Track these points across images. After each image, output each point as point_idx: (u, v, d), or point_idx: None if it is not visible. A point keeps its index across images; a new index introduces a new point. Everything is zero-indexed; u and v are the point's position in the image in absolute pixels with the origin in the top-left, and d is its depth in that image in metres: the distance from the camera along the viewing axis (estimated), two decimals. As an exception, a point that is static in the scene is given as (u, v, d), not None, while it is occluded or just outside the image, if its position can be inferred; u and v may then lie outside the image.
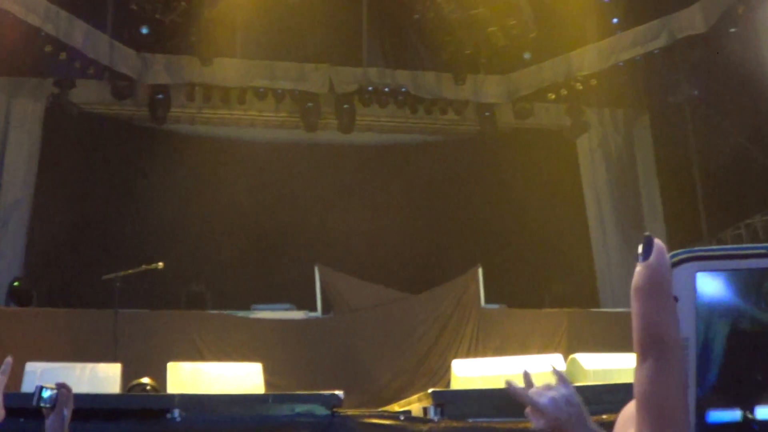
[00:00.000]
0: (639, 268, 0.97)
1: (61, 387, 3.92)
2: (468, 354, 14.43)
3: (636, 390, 0.92)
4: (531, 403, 2.83)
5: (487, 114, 19.57)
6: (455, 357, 13.83)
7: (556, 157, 19.66)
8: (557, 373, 2.98)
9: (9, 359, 3.73)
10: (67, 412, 3.89)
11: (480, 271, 16.05)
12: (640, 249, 1.00)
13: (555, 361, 13.92)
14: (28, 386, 9.21)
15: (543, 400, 2.82)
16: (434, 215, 18.80)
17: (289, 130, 19.04)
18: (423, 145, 19.95)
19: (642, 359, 0.94)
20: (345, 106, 18.74)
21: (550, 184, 19.12)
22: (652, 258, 0.96)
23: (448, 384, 13.23)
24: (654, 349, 0.93)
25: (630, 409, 0.97)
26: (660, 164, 20.31)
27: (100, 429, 8.84)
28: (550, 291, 17.54)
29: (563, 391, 2.84)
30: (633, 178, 20.29)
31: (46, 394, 3.89)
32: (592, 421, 2.78)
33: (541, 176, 19.04)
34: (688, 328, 0.97)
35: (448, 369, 13.37)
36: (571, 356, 13.57)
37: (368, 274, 16.26)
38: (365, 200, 18.52)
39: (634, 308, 0.96)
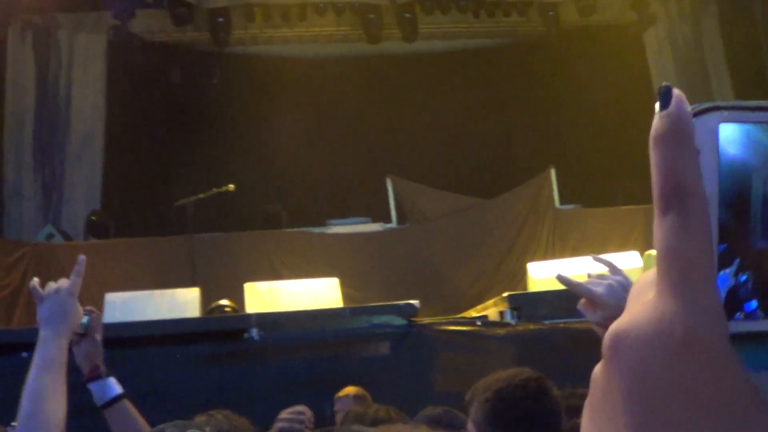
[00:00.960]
0: (657, 117, 0.90)
1: (92, 311, 3.85)
2: (544, 256, 14.38)
3: (658, 246, 0.86)
4: (586, 293, 2.73)
5: (550, 13, 19.24)
6: (532, 260, 13.78)
7: (623, 53, 19.30)
8: (607, 263, 2.90)
9: (82, 257, 3.71)
10: (99, 337, 3.84)
11: (553, 172, 15.95)
12: (657, 101, 0.93)
13: (631, 257, 13.87)
14: (109, 317, 9.32)
15: (599, 289, 2.72)
16: (503, 119, 18.63)
17: (352, 43, 18.89)
18: (488, 49, 19.69)
19: (663, 212, 0.87)
20: (406, 15, 18.55)
21: (619, 80, 18.79)
22: (671, 106, 0.89)
23: (525, 287, 13.20)
24: (677, 200, 0.87)
25: (648, 275, 0.90)
26: (729, 54, 19.86)
27: (179, 352, 8.96)
28: (624, 189, 17.35)
29: (618, 277, 2.76)
30: (702, 69, 19.86)
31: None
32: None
33: (609, 73, 18.71)
34: (710, 183, 0.90)
35: (525, 272, 13.33)
36: (647, 252, 13.48)
37: (441, 183, 16.26)
38: (432, 109, 18.42)
39: (654, 159, 0.89)
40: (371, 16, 18.47)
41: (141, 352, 8.80)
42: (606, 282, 2.75)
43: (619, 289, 2.71)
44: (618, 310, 2.72)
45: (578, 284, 2.82)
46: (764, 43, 18.92)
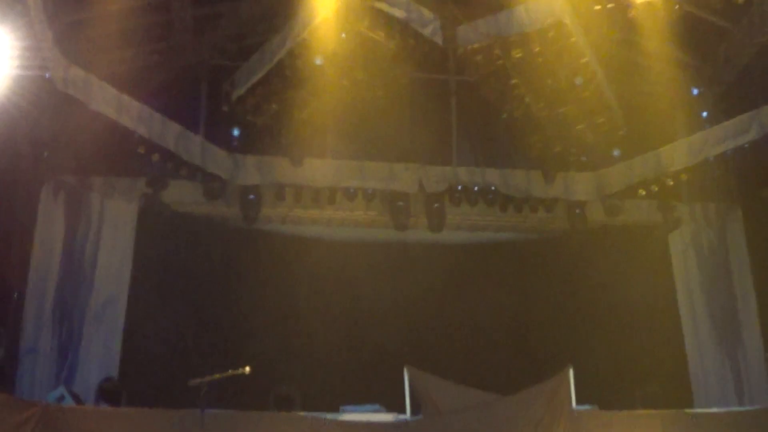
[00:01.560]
0: None
1: None
2: (558, 457, 14.15)
3: None
4: None
5: (577, 211, 19.45)
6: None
7: (647, 253, 19.41)
8: None
9: None
10: None
11: (571, 371, 15.83)
12: None
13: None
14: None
15: None
16: (524, 314, 18.63)
17: (378, 229, 19.10)
18: (513, 243, 19.84)
19: None
20: (435, 205, 18.79)
21: (642, 281, 18.81)
22: None
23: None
24: None
25: None
26: (754, 259, 19.92)
27: None
28: (642, 391, 17.17)
29: None
30: (727, 274, 19.89)
31: None
32: None
33: (633, 273, 18.75)
34: None
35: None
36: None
37: (458, 376, 16.11)
38: (455, 299, 18.46)
39: None
40: (400, 203, 18.71)
41: None
42: None
43: None
44: None
45: None
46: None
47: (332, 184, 18.41)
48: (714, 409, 16.76)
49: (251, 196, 18.19)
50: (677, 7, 16.80)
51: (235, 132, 17.93)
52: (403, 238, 18.93)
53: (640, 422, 15.44)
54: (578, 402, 15.78)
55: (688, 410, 17.03)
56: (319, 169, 18.27)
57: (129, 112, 16.46)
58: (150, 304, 17.38)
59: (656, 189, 19.04)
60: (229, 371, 13.24)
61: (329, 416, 15.00)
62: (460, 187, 18.78)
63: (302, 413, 15.01)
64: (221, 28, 18.37)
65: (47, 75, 14.86)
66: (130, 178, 18.04)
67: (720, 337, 19.32)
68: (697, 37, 18.35)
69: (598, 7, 16.70)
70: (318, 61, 16.60)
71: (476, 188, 18.84)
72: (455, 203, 18.92)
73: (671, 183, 18.83)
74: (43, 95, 14.86)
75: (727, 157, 18.37)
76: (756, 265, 19.86)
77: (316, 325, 17.67)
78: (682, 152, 18.47)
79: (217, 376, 13.06)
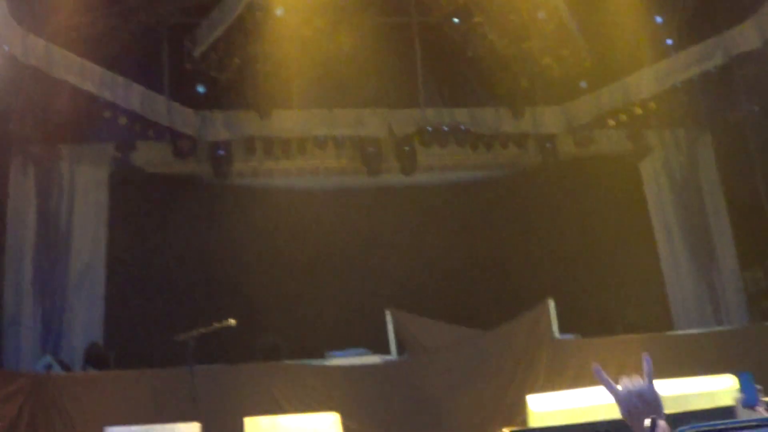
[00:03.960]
0: None
1: None
2: (544, 387, 14.31)
3: None
4: (609, 389, 2.89)
5: (548, 145, 19.51)
6: (531, 391, 13.73)
7: (620, 182, 19.54)
8: (646, 366, 2.99)
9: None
10: None
11: (551, 302, 15.95)
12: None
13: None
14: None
15: (619, 390, 2.87)
16: (502, 249, 18.71)
17: (351, 176, 19.10)
18: (486, 180, 19.90)
19: None
20: (405, 148, 18.79)
21: (617, 209, 18.97)
22: None
23: (525, 419, 13.14)
24: None
25: None
26: (725, 181, 20.11)
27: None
28: (622, 317, 17.37)
29: (640, 385, 2.87)
30: (699, 197, 20.07)
31: None
32: (665, 425, 2.78)
33: (607, 203, 18.89)
34: None
35: (524, 404, 13.28)
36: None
37: (440, 314, 16.23)
38: (432, 240, 18.52)
39: None
40: (371, 149, 18.72)
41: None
42: (628, 385, 2.88)
43: (634, 395, 2.85)
44: (626, 412, 2.75)
45: (605, 381, 2.93)
46: (759, 170, 19.15)
47: (302, 134, 18.38)
48: (693, 330, 16.99)
49: (221, 152, 18.15)
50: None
51: (201, 89, 17.82)
52: (376, 183, 18.96)
53: (621, 347, 15.63)
54: (561, 332, 15.96)
55: (668, 333, 17.27)
56: (287, 120, 18.23)
57: (92, 78, 16.37)
58: (129, 267, 17.40)
59: (625, 118, 19.12)
60: (214, 324, 13.30)
61: (316, 363, 15.12)
62: (429, 129, 18.78)
63: (289, 362, 15.14)
64: (178, -15, 18.28)
65: (6, 48, 14.77)
66: (99, 144, 17.96)
67: (696, 260, 19.53)
68: (657, -36, 18.39)
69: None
70: (278, 11, 16.55)
71: (446, 128, 18.84)
72: (426, 145, 18.94)
73: (640, 111, 18.92)
74: (3, 67, 14.77)
75: (694, 82, 18.48)
76: (727, 187, 20.06)
77: (296, 274, 17.71)
78: (648, 80, 18.56)
79: (202, 330, 13.11)
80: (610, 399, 3.00)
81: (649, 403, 2.79)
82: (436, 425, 13.83)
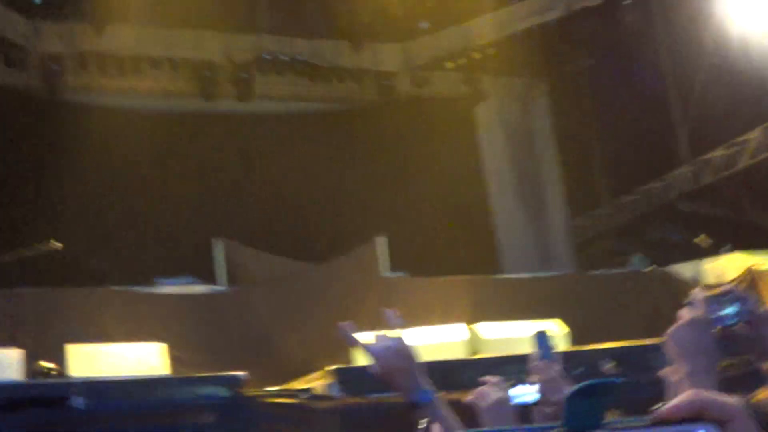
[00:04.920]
0: None
1: None
2: (371, 325, 14.39)
3: None
4: (363, 347, 2.88)
5: (385, 82, 19.49)
6: (359, 329, 13.76)
7: (455, 125, 19.71)
8: (392, 320, 2.96)
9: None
10: None
11: (383, 240, 16.05)
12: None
13: (459, 330, 14.07)
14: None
15: (374, 346, 2.87)
16: (337, 184, 18.70)
17: (187, 99, 18.63)
18: (323, 113, 19.79)
19: None
20: (243, 74, 18.49)
21: (451, 152, 19.15)
22: None
23: (350, 356, 13.20)
24: None
25: None
26: (558, 132, 20.55)
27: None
28: (452, 259, 17.62)
29: (396, 341, 2.86)
30: (532, 146, 20.49)
31: None
32: (424, 378, 2.78)
33: (442, 144, 19.03)
34: None
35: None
36: (472, 325, 13.74)
37: (271, 246, 16.16)
38: (265, 170, 18.38)
39: None
40: (206, 72, 18.34)
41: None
42: (384, 342, 2.87)
43: (391, 351, 2.85)
44: (383, 369, 2.74)
45: (355, 339, 3.09)
46: (592, 123, 19.66)
47: (137, 53, 17.85)
48: (520, 275, 17.37)
49: (54, 66, 17.48)
50: None
51: (35, -3, 17.13)
52: (211, 108, 18.57)
53: (449, 288, 15.89)
54: (393, 269, 16.10)
55: (495, 276, 17.63)
56: (122, 37, 17.63)
57: None
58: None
59: (463, 62, 19.25)
60: (36, 245, 12.88)
61: (144, 290, 14.86)
62: (267, 56, 18.51)
63: (116, 287, 14.82)
64: None
65: None
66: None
67: (526, 207, 19.96)
68: None
69: None
70: None
71: (284, 58, 18.61)
72: (263, 73, 18.67)
73: (478, 56, 19.08)
74: None
75: (534, 32, 18.72)
76: (560, 138, 20.51)
77: (125, 197, 17.31)
78: (489, 26, 18.72)
79: (24, 251, 12.70)
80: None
81: (403, 356, 2.78)
82: (266, 358, 13.77)
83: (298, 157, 18.67)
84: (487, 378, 3.14)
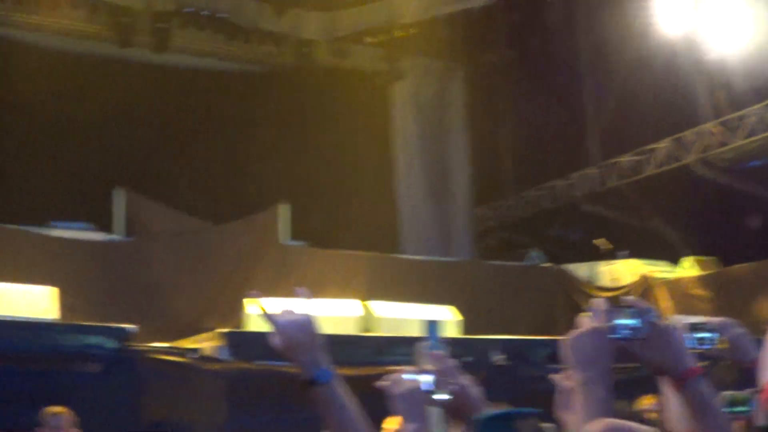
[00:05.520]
0: None
1: None
2: (267, 292, 14.29)
3: None
4: (269, 320, 2.86)
5: (304, 50, 19.36)
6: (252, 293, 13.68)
7: (369, 101, 19.67)
8: (303, 295, 2.96)
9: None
10: None
11: (286, 208, 15.99)
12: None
13: (353, 306, 14.11)
14: None
15: (280, 318, 2.84)
16: (246, 147, 18.55)
17: (101, 43, 18.24)
18: (239, 74, 19.61)
19: None
20: (161, 25, 18.19)
21: (362, 127, 19.14)
22: None
23: (241, 321, 13.17)
24: None
25: None
26: (472, 118, 20.64)
27: None
28: (354, 234, 17.60)
29: (301, 316, 2.86)
30: (443, 130, 20.55)
31: None
32: (325, 356, 2.79)
33: (354, 118, 18.99)
34: None
35: (242, 306, 13.30)
36: (366, 302, 13.78)
37: (173, 202, 16.00)
38: (175, 124, 18.14)
39: None
40: (124, 18, 18.00)
41: None
42: (288, 316, 2.85)
43: (294, 326, 2.83)
44: (286, 342, 2.74)
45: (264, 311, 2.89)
46: (506, 114, 19.80)
47: (56, -10, 17.48)
48: (419, 257, 17.47)
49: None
50: None
51: None
52: (125, 55, 18.23)
53: (347, 262, 15.94)
54: (294, 238, 16.07)
55: (393, 255, 17.69)
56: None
57: None
58: None
59: (385, 38, 19.22)
60: None
61: (37, 230, 14.58)
62: (189, 10, 18.24)
63: (7, 225, 14.49)
64: None
65: None
66: None
67: (431, 191, 20.04)
68: None
69: None
70: None
71: (205, 13, 18.36)
72: (182, 26, 18.39)
73: (400, 34, 19.06)
74: None
75: (457, 17, 18.77)
76: (473, 124, 20.62)
77: (28, 135, 16.91)
78: (413, 5, 18.67)
79: None
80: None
81: (307, 332, 2.78)
82: (158, 312, 13.66)
83: (209, 115, 18.50)
84: (402, 367, 3.17)
